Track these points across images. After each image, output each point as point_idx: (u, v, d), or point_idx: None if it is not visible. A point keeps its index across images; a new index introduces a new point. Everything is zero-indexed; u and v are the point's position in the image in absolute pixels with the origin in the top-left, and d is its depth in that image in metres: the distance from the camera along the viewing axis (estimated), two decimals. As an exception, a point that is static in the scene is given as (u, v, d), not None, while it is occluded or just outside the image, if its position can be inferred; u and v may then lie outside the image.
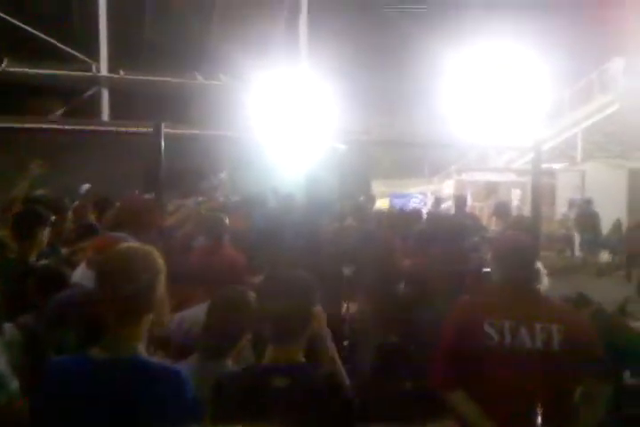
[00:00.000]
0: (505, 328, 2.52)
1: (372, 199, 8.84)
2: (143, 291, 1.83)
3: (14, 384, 1.80)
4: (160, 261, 1.91)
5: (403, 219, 7.49)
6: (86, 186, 7.44)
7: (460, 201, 8.78)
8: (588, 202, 13.56)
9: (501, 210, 7.67)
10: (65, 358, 1.90)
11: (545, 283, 2.87)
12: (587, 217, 13.26)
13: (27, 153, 5.49)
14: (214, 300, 2.71)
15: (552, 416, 2.44)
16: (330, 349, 2.22)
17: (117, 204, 4.99)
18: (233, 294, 2.69)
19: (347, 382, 2.12)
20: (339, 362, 2.25)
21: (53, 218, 3.96)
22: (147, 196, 5.10)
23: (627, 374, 4.32)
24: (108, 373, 1.76)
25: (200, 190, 6.91)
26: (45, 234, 3.88)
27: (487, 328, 2.52)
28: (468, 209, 8.98)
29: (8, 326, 2.59)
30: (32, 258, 3.80)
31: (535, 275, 2.76)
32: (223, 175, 7.65)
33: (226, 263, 4.30)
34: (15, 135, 8.14)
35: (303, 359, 2.07)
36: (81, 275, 2.72)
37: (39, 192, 6.39)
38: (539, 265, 2.82)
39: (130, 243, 2.44)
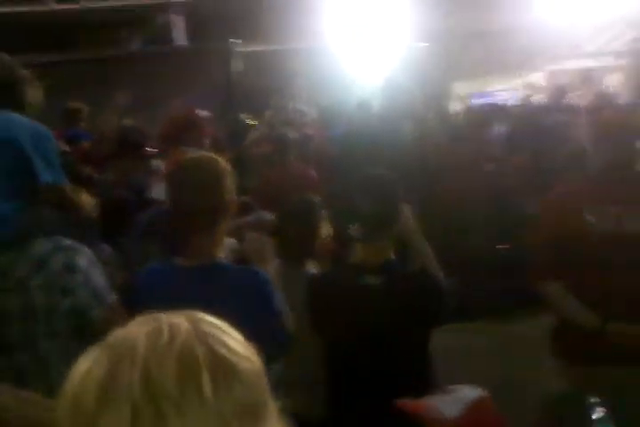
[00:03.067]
0: (606, 213, 2.38)
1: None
2: (216, 198, 1.84)
3: (111, 297, 1.87)
4: (224, 167, 1.90)
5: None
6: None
7: (557, 92, 8.32)
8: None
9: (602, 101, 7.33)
10: (151, 266, 1.97)
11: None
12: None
13: (113, 86, 5.58)
14: (283, 210, 2.75)
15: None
16: (423, 245, 2.18)
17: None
18: (301, 202, 2.71)
19: (441, 277, 2.09)
20: (432, 257, 2.21)
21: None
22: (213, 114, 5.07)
23: None
24: (190, 278, 1.81)
25: (272, 106, 6.80)
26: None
27: (587, 215, 2.39)
28: (565, 100, 8.48)
29: (104, 246, 2.73)
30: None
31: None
32: (297, 86, 7.46)
33: (293, 179, 4.27)
34: (98, 69, 8.31)
35: (393, 256, 2.05)
36: (159, 190, 2.77)
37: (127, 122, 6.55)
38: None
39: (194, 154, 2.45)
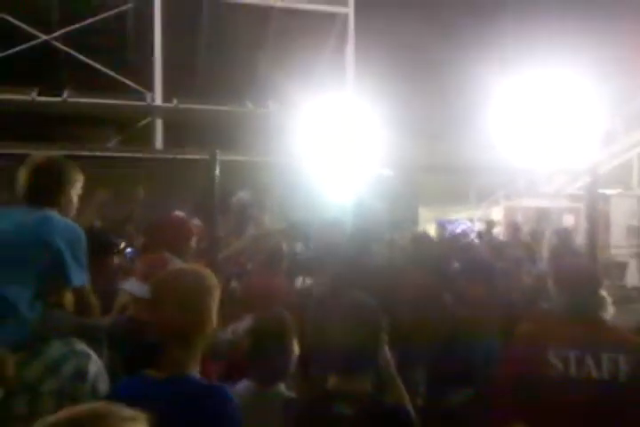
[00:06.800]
0: (570, 358, 2.45)
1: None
2: (195, 315, 1.86)
3: None
4: (210, 281, 1.94)
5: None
6: None
7: (512, 228, 8.68)
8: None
9: (563, 235, 7.53)
10: (126, 379, 1.96)
11: (610, 311, 2.80)
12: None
13: (90, 182, 5.64)
14: (254, 328, 2.65)
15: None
16: (394, 375, 2.19)
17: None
18: (272, 321, 2.61)
19: (412, 413, 2.08)
20: (402, 388, 2.22)
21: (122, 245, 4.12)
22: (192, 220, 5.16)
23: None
24: (158, 391, 1.82)
25: (231, 209, 6.91)
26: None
27: (551, 358, 2.47)
28: (520, 236, 8.86)
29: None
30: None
31: (600, 303, 2.70)
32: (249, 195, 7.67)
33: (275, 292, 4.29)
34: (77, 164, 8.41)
35: (369, 388, 2.04)
36: (132, 285, 2.75)
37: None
38: (603, 293, 2.75)
39: (178, 264, 2.50)
